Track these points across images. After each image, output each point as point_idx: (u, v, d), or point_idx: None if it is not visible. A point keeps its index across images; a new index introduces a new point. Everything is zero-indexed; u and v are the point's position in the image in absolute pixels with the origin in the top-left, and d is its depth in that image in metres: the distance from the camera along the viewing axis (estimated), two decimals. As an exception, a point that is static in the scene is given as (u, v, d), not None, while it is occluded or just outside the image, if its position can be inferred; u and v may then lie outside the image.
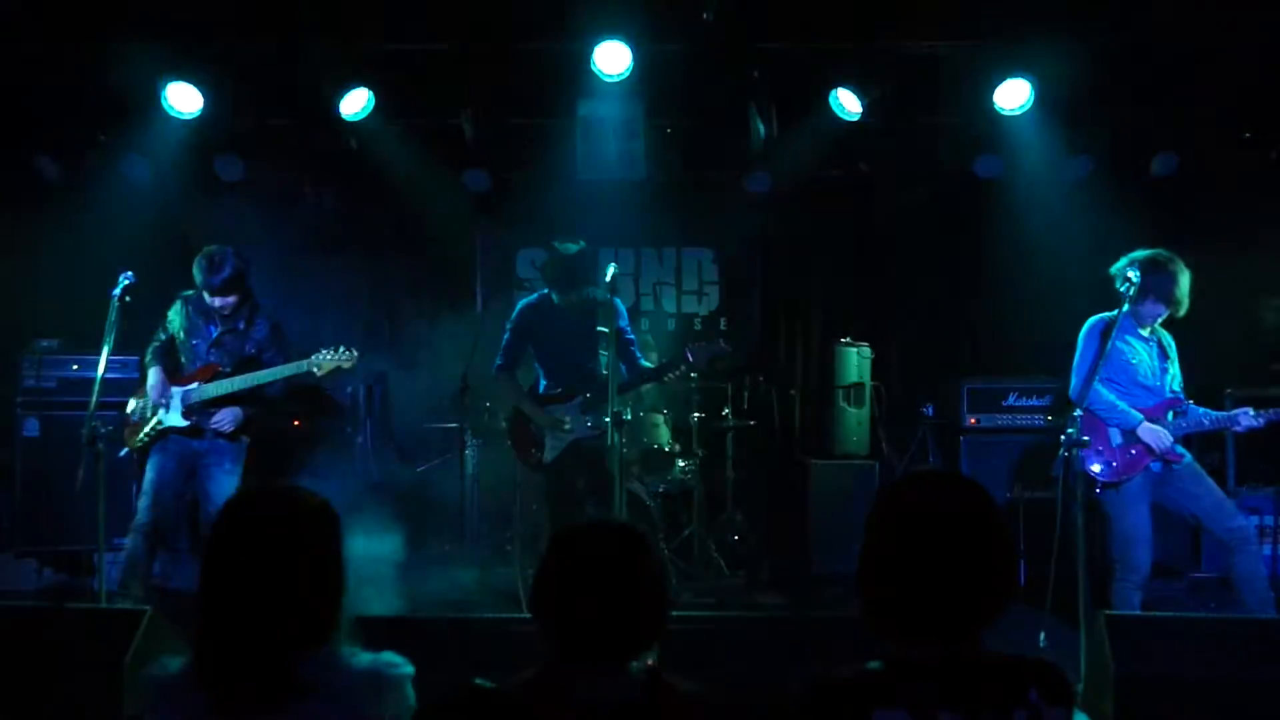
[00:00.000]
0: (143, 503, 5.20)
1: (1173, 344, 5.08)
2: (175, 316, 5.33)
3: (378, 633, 3.62)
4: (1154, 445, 4.81)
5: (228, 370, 5.24)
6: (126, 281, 4.97)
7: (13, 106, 6.71)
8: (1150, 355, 4.97)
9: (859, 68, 6.54)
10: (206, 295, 5.19)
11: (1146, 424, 4.84)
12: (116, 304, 4.94)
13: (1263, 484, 6.74)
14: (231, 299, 5.21)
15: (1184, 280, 4.84)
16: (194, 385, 5.22)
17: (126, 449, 5.33)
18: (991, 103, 6.57)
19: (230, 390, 5.20)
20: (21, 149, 6.91)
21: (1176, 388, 5.03)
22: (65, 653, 3.54)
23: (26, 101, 6.70)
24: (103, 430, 4.96)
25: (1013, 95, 6.52)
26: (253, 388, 5.22)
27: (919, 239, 8.04)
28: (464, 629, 3.78)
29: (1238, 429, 4.93)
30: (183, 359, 5.33)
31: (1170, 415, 4.92)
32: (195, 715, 1.94)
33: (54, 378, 6.71)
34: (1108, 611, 4.16)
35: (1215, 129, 6.85)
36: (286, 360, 5.26)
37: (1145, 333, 4.97)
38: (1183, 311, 4.89)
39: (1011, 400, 7.18)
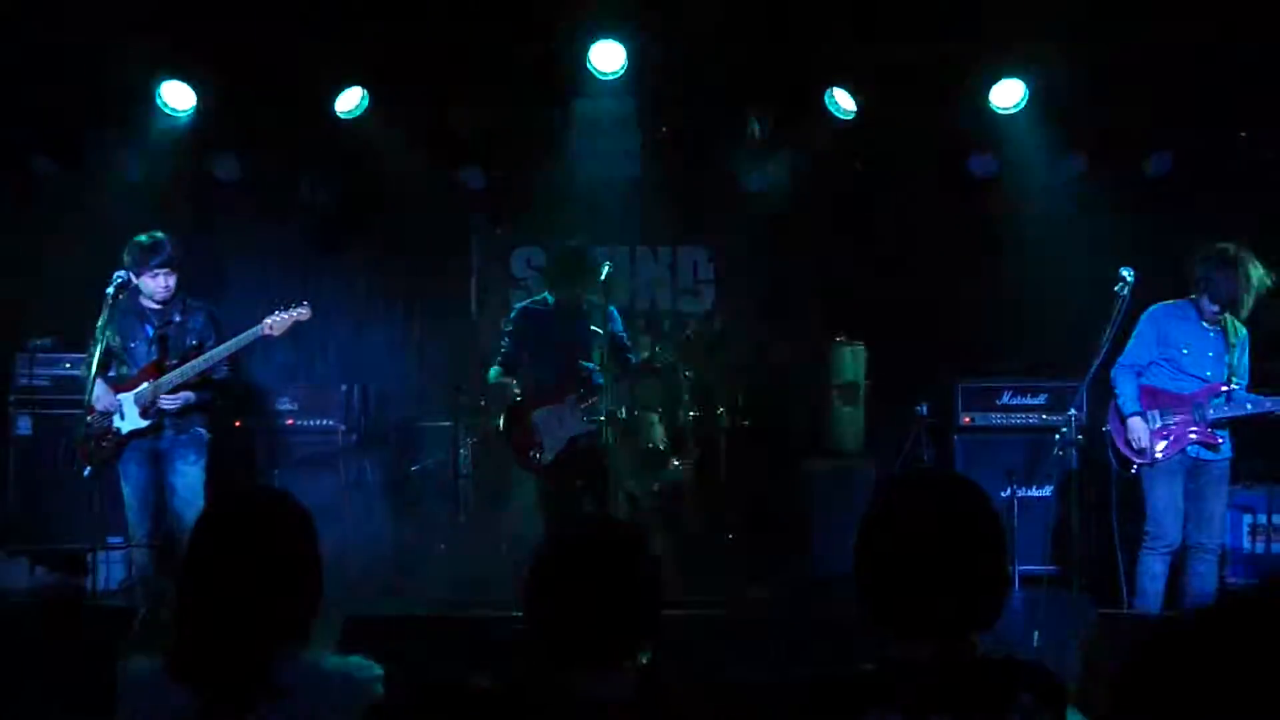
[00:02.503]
0: (131, 518, 5.15)
1: (1242, 333, 5.10)
2: (107, 326, 5.10)
3: (373, 632, 3.63)
4: (1131, 436, 5.00)
5: (174, 363, 5.13)
6: (120, 280, 4.96)
7: (10, 106, 6.70)
8: (1207, 344, 5.03)
9: (855, 67, 6.54)
10: (147, 281, 5.10)
11: (1136, 419, 5.00)
12: (110, 302, 4.92)
13: (1255, 482, 6.74)
14: (170, 281, 5.14)
15: (1244, 280, 4.83)
16: (144, 385, 5.11)
17: (90, 468, 5.13)
18: (987, 102, 6.58)
19: (182, 380, 5.10)
20: (19, 148, 6.89)
21: (1238, 376, 5.07)
22: (60, 651, 3.53)
23: (24, 101, 6.69)
24: (96, 428, 4.96)
25: (1008, 94, 6.53)
26: (202, 375, 5.13)
27: (915, 238, 8.04)
28: (459, 628, 3.77)
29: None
30: (124, 366, 5.20)
31: (1215, 400, 4.99)
32: (171, 714, 1.97)
33: (47, 376, 6.68)
34: (1103, 610, 4.18)
35: (1211, 128, 6.85)
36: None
37: (1206, 323, 5.03)
38: (1243, 313, 4.93)
39: (1006, 399, 7.16)
